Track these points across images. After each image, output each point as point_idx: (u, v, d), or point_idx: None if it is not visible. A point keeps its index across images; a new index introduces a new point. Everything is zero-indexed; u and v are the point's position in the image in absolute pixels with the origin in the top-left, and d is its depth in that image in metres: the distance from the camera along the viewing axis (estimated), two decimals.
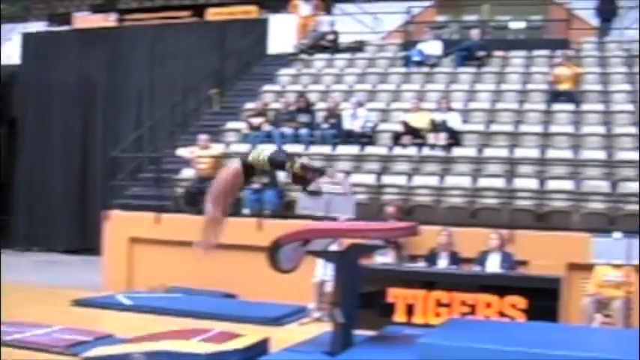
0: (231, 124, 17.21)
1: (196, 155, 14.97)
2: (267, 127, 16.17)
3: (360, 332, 9.41)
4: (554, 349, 7.56)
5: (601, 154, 14.51)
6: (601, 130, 15.35)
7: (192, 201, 14.09)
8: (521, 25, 20.11)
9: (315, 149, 15.55)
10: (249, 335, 9.21)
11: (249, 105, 17.44)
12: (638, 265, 11.15)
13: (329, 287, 11.09)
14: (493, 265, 11.68)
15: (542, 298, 10.57)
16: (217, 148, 15.45)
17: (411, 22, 20.67)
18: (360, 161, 15.18)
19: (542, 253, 12.05)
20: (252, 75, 20.17)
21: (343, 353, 8.22)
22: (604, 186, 13.53)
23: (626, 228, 11.76)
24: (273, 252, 8.34)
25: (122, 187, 16.63)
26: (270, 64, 20.35)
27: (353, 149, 15.40)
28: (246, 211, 14.16)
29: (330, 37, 20.05)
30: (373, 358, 7.97)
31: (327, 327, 8.95)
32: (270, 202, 14.13)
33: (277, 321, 11.60)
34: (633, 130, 15.16)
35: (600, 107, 16.20)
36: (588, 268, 11.44)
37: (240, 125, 16.87)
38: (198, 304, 12.47)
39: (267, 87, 18.64)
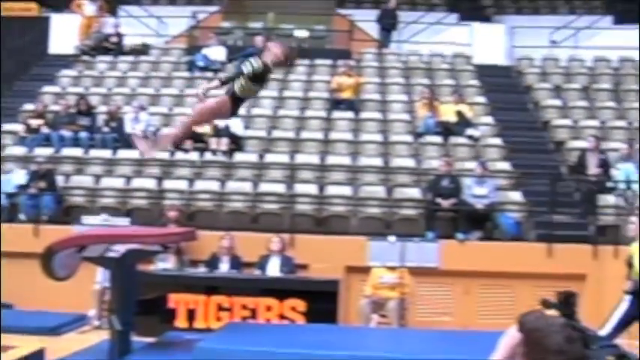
0: (8, 126, 16.44)
1: None
2: (45, 130, 15.61)
3: (140, 339, 9.31)
4: (333, 350, 7.78)
5: (378, 161, 15.04)
6: (378, 137, 15.91)
7: None
8: (305, 34, 20.48)
9: (95, 153, 15.20)
10: (22, 347, 8.83)
11: (28, 106, 16.75)
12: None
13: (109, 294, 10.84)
14: (273, 269, 11.82)
15: (322, 301, 10.83)
16: None
17: (196, 27, 20.66)
18: (141, 166, 14.93)
19: (321, 256, 12.33)
20: (32, 75, 19.40)
21: None
22: (380, 191, 14.03)
23: (400, 232, 12.23)
24: (46, 259, 8.09)
25: None
26: (51, 64, 19.63)
27: (134, 153, 15.10)
28: (22, 216, 13.60)
29: (114, 39, 19.64)
30: None
31: (107, 335, 8.75)
32: (48, 207, 13.61)
33: (55, 330, 11.18)
34: (409, 138, 15.83)
35: (378, 116, 16.79)
36: (366, 270, 11.80)
37: (18, 127, 16.17)
38: None
39: (47, 88, 18.00)
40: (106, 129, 15.65)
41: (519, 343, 3.20)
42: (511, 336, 3.31)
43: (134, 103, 16.12)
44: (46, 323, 11.37)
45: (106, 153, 15.21)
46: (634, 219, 8.80)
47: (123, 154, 15.14)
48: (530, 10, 22.31)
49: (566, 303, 3.25)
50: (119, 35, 19.72)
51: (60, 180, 14.20)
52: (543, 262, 12.14)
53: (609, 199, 13.69)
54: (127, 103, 16.78)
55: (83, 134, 15.50)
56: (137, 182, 14.33)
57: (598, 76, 18.63)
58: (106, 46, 19.59)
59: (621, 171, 14.16)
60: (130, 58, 19.56)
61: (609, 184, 14.04)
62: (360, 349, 8.13)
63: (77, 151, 15.29)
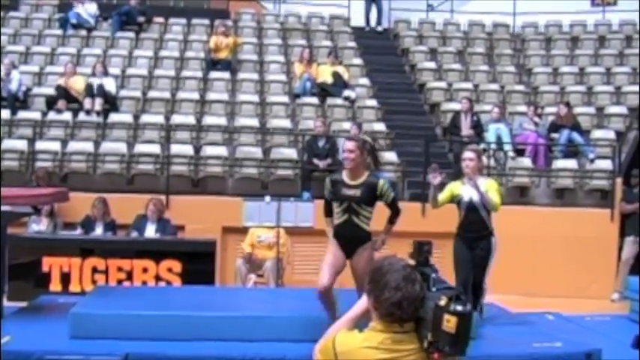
0: None
1: None
2: None
3: (13, 304, 9.09)
4: (208, 311, 7.79)
5: (255, 122, 15.01)
6: (255, 98, 15.87)
7: None
8: None
9: None
10: None
11: None
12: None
13: None
14: (150, 231, 11.69)
15: (198, 262, 10.78)
16: None
17: None
18: (13, 126, 14.45)
19: (197, 217, 12.29)
20: None
21: None
22: (257, 152, 14.03)
23: (277, 192, 12.27)
24: None
25: None
26: None
27: (4, 113, 14.62)
28: None
29: None
30: (23, 328, 7.69)
31: None
32: None
33: None
34: (286, 99, 15.85)
35: (255, 76, 16.75)
36: (242, 231, 11.80)
37: None
38: None
39: None
40: None
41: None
42: None
43: (4, 60, 15.54)
44: None
45: None
46: (470, 154, 8.34)
47: None
48: None
49: (420, 251, 3.43)
50: None
51: None
52: (417, 221, 12.38)
53: None
54: None
55: None
56: (7, 143, 13.86)
57: (472, 40, 19.03)
58: None
59: (492, 132, 14.58)
60: None
61: (481, 145, 14.42)
62: (237, 309, 8.17)
63: None
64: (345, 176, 7.20)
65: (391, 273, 3.25)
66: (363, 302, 3.42)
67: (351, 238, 7.19)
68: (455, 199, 8.38)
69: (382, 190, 7.17)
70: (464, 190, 8.31)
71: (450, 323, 3.17)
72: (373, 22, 19.49)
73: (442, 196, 8.37)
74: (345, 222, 7.17)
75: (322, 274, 7.17)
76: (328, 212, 7.39)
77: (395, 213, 7.41)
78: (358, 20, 19.47)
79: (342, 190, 7.16)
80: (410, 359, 3.25)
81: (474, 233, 8.30)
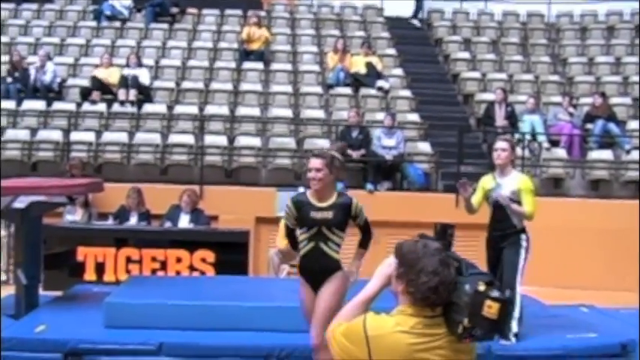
0: None
1: None
2: None
3: (49, 293, 9.18)
4: (241, 301, 7.81)
5: (288, 112, 15.02)
6: (289, 89, 15.87)
7: None
8: None
9: None
10: None
11: None
12: None
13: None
14: (184, 221, 11.74)
15: (232, 252, 10.78)
16: None
17: None
18: (48, 117, 14.59)
19: (231, 207, 12.32)
20: None
21: (27, 315, 7.97)
22: (290, 142, 14.03)
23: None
24: None
25: None
26: None
27: (40, 104, 14.78)
28: None
29: None
30: (58, 317, 7.77)
31: (13, 290, 8.60)
32: None
33: None
34: (319, 89, 15.84)
35: (289, 67, 16.74)
36: (275, 221, 11.78)
37: None
38: None
39: None
40: (9, 79, 15.21)
41: (395, 267, 3.29)
42: (387, 264, 3.39)
43: (40, 52, 15.67)
44: None
45: (10, 104, 14.78)
46: (503, 144, 7.67)
47: (28, 104, 14.76)
48: None
49: (443, 234, 3.38)
50: None
51: None
52: (451, 212, 12.30)
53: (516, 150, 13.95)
54: (31, 52, 16.33)
55: None
56: (43, 134, 14.00)
57: (506, 30, 18.89)
58: None
59: (527, 123, 14.47)
60: (34, 6, 18.98)
61: (515, 136, 14.33)
62: (269, 299, 8.18)
63: None
64: (311, 197, 6.24)
65: (428, 257, 3.20)
66: (374, 285, 3.38)
67: (318, 270, 6.19)
68: (486, 195, 7.76)
69: (357, 209, 6.27)
70: (494, 185, 7.67)
71: (491, 309, 3.14)
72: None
73: (476, 198, 7.79)
74: (312, 250, 6.18)
75: (311, 330, 6.24)
76: (292, 241, 6.46)
77: (367, 235, 6.44)
78: (391, 10, 19.40)
79: (310, 214, 6.17)
80: (439, 343, 3.22)
81: (499, 231, 7.64)
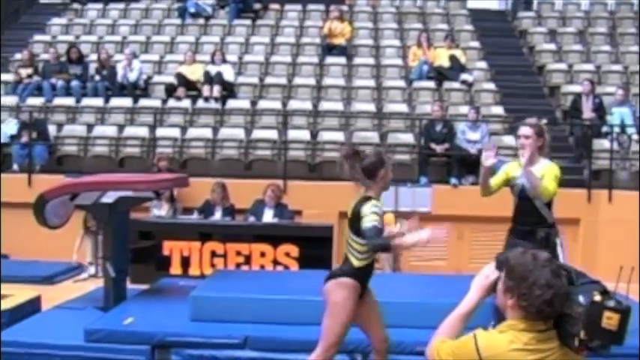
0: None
1: None
2: (36, 79, 15.47)
3: (136, 286, 9.34)
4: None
5: (371, 107, 14.97)
6: (371, 83, 15.82)
7: None
8: None
9: (87, 102, 15.09)
10: (17, 295, 8.84)
11: (19, 56, 16.59)
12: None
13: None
14: (268, 215, 11.80)
15: (316, 246, 10.78)
16: None
17: None
18: (134, 114, 14.85)
19: (315, 202, 12.33)
20: (21, 24, 19.23)
21: (116, 307, 8.11)
22: (374, 137, 13.97)
23: (394, 177, 12.15)
24: (39, 207, 8.07)
25: None
26: (40, 12, 19.49)
27: (126, 102, 15.06)
28: (15, 167, 13.54)
29: None
30: (145, 310, 7.88)
31: (102, 283, 8.77)
32: (40, 156, 13.55)
33: (50, 279, 11.22)
34: (402, 83, 15.74)
35: (371, 61, 16.68)
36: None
37: (9, 77, 16.00)
38: None
39: (37, 37, 17.84)
40: (97, 77, 15.53)
41: (500, 280, 3.18)
42: (485, 276, 3.28)
43: (126, 50, 15.95)
44: (40, 272, 11.40)
45: (98, 102, 15.10)
46: (526, 130, 6.99)
47: (115, 102, 15.06)
48: None
49: (547, 241, 3.23)
50: None
51: (52, 129, 14.12)
52: None
53: (604, 143, 13.66)
54: (118, 51, 16.63)
55: (75, 83, 15.35)
56: (129, 130, 14.25)
57: (594, 19, 18.49)
58: None
59: (616, 115, 14.13)
60: (121, 5, 19.35)
61: (604, 129, 14.01)
62: None
63: (69, 101, 15.18)
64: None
65: (539, 269, 3.06)
66: (473, 298, 3.28)
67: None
68: (510, 183, 6.97)
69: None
70: (519, 173, 6.89)
71: (612, 320, 2.99)
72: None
73: (495, 179, 6.97)
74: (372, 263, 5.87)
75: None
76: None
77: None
78: (475, 2, 19.18)
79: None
80: (553, 358, 3.10)
81: (527, 226, 6.81)
